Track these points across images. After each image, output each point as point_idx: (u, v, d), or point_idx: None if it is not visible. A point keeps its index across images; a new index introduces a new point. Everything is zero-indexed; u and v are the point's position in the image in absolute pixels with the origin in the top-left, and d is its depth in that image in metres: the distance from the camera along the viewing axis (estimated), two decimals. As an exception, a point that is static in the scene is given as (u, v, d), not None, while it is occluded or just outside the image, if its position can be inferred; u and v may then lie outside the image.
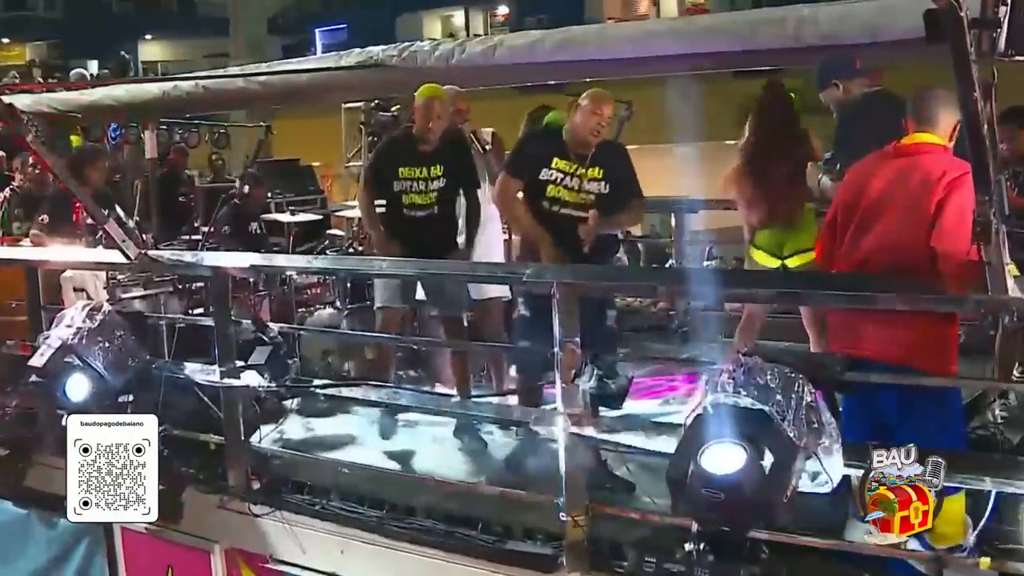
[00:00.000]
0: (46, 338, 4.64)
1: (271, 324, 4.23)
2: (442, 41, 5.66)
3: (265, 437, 4.59)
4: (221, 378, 4.40)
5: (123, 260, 4.67)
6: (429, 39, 8.52)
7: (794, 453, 2.86)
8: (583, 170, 4.36)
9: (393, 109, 8.77)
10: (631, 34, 5.26)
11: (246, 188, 7.51)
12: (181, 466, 4.64)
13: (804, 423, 2.89)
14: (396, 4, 28.06)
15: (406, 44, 5.93)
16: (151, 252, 4.71)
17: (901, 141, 3.42)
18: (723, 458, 2.83)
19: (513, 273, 3.62)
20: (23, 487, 5.39)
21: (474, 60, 5.53)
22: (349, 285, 6.92)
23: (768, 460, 2.85)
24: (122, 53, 11.48)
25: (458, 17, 30.64)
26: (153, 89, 7.41)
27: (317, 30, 30.82)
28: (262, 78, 6.62)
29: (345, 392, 4.42)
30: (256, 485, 4.45)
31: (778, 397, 2.91)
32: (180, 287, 5.67)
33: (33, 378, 4.60)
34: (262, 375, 4.19)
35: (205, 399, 4.93)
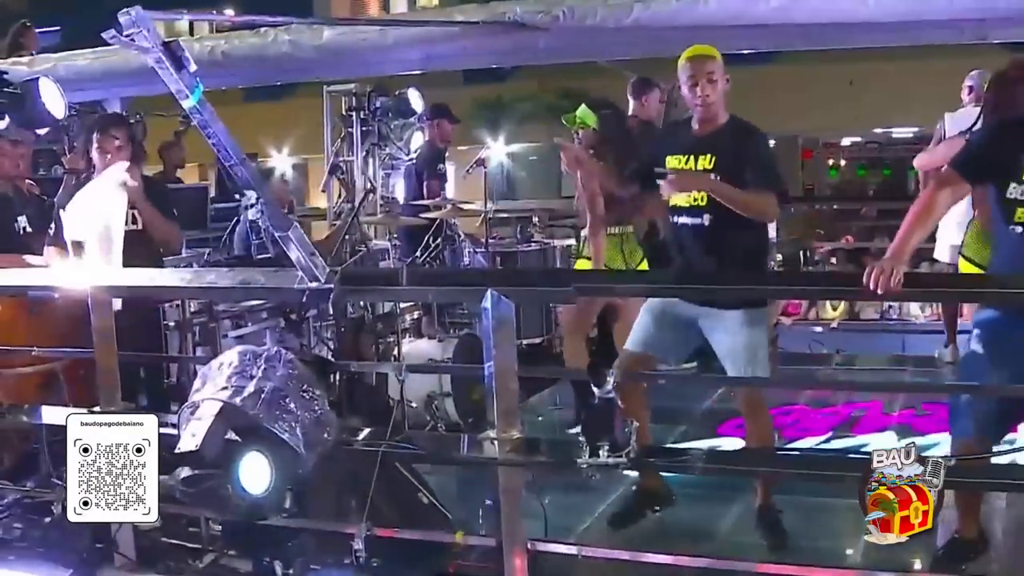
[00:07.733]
0: (192, 409, 3.06)
1: (607, 372, 2.85)
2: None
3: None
4: (504, 452, 2.99)
5: (307, 283, 3.15)
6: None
7: None
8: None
9: (397, 92, 7.20)
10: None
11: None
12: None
13: None
14: (114, 6, 26.18)
15: (552, -2, 4.55)
16: (348, 269, 3.19)
17: None
18: None
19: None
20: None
21: (673, 18, 4.27)
22: (437, 309, 5.54)
23: None
24: (24, 21, 8.97)
25: (183, 21, 29.08)
26: (137, 59, 5.54)
27: (28, 33, 28.13)
28: (326, 35, 4.98)
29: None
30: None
31: None
32: (296, 318, 4.09)
33: (185, 473, 3.03)
34: (599, 447, 2.84)
35: (411, 478, 3.53)
